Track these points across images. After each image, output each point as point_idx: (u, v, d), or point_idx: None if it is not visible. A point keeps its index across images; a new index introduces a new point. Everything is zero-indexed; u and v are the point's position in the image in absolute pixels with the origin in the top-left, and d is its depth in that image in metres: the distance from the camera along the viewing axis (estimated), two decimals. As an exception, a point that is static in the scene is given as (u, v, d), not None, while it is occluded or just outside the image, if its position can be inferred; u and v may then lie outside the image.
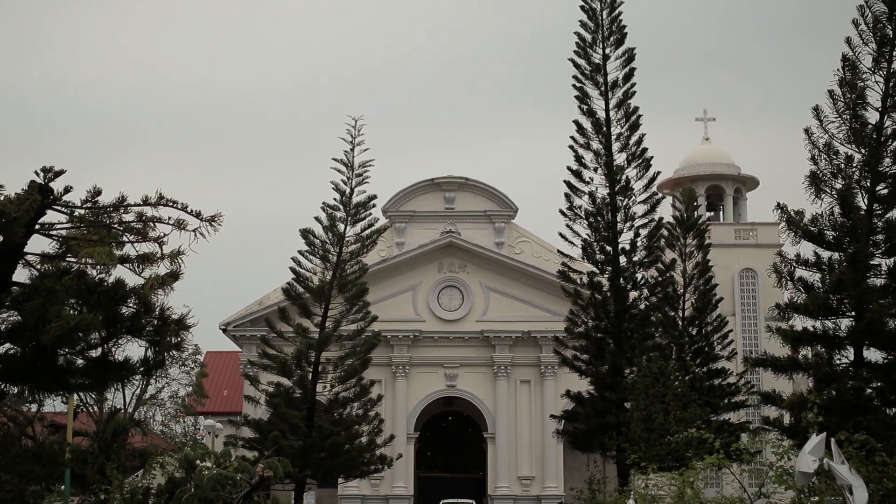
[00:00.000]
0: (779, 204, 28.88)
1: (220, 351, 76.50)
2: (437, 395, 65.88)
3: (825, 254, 29.08)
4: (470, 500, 61.28)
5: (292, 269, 47.62)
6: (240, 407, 61.05)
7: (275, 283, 61.92)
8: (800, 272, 29.28)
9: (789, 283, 29.04)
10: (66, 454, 18.88)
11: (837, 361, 28.83)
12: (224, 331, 65.52)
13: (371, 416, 47.69)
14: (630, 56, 48.40)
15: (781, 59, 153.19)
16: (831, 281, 28.08)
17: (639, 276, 48.32)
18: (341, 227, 47.28)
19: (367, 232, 47.60)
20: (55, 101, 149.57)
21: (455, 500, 60.92)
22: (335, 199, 47.49)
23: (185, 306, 16.66)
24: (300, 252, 47.49)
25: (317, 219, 47.42)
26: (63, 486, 28.10)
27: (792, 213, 28.85)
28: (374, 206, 48.15)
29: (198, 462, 23.70)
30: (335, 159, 47.64)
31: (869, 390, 28.27)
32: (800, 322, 29.30)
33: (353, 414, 47.20)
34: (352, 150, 47.67)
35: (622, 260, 47.70)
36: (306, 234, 47.04)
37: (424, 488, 67.70)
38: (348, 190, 47.45)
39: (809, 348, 29.40)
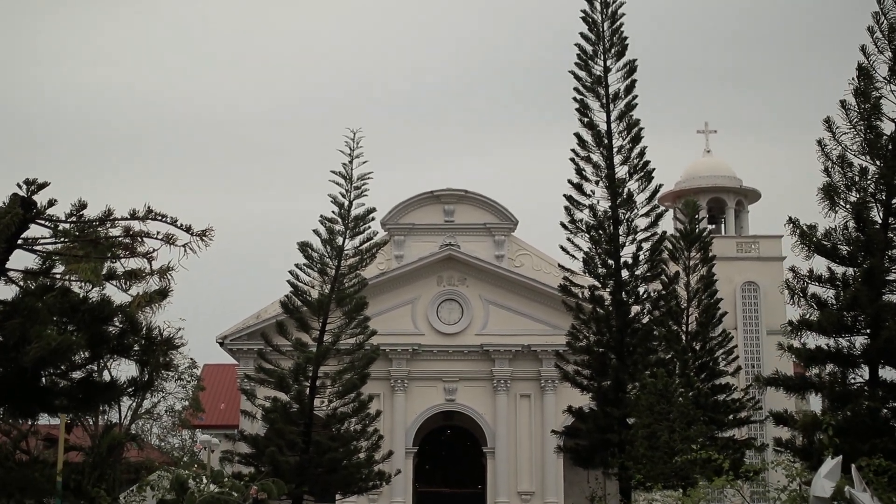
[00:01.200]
0: (790, 218, 28.12)
1: (218, 364, 75.69)
2: (436, 410, 65.24)
3: (839, 269, 28.30)
4: None
5: (290, 283, 47.00)
6: (237, 420, 60.32)
7: (273, 297, 61.35)
8: (812, 288, 28.48)
9: (802, 299, 28.22)
10: (58, 476, 18.15)
11: (852, 381, 28.04)
12: (221, 344, 64.86)
13: (370, 432, 47.06)
14: (631, 68, 47.88)
15: (782, 72, 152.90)
16: (846, 297, 27.30)
17: (641, 290, 47.69)
18: (340, 240, 46.78)
19: (366, 245, 47.03)
20: (40, 112, 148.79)
21: None
22: (334, 212, 47.00)
23: (181, 319, 16.04)
24: (298, 265, 46.91)
25: (315, 232, 46.92)
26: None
27: (804, 227, 28.05)
28: (372, 219, 47.68)
29: (190, 483, 23.00)
30: (334, 172, 47.20)
31: (885, 411, 27.47)
32: (812, 339, 28.52)
33: (351, 429, 46.57)
34: (350, 162, 47.23)
35: (624, 274, 47.08)
36: (304, 247, 46.47)
37: (423, 503, 67.02)
38: (347, 203, 46.95)
39: (822, 367, 28.53)
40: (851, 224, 27.94)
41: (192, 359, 62.81)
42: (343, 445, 45.73)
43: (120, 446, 38.83)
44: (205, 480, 27.25)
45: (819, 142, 28.06)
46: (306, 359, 45.31)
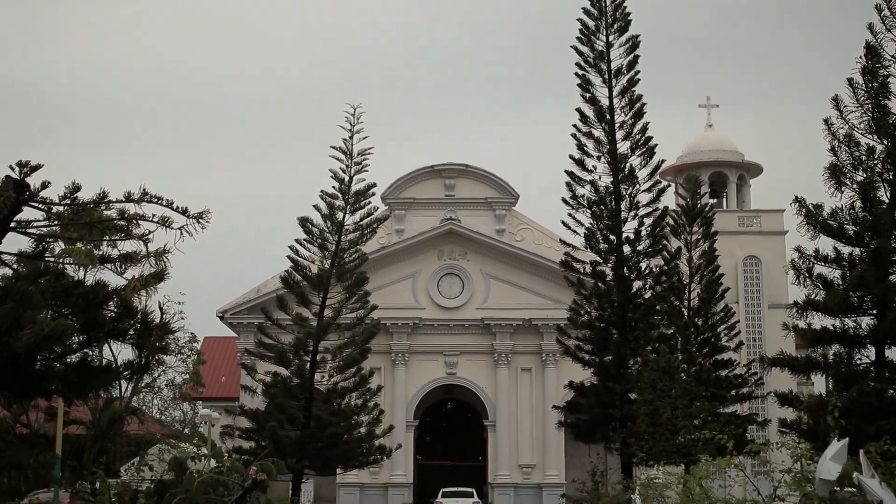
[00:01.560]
0: (796, 197, 27.73)
1: (219, 336, 75.52)
2: (436, 383, 65.30)
3: (845, 249, 27.97)
4: (470, 489, 60.50)
5: (290, 258, 46.76)
6: (238, 393, 60.28)
7: (273, 271, 61.13)
8: (818, 268, 28.16)
9: (807, 279, 27.90)
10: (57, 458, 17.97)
11: (858, 361, 27.76)
12: (221, 318, 64.72)
13: (370, 406, 46.95)
14: (634, 43, 47.35)
15: (784, 46, 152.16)
16: (852, 278, 26.99)
17: (643, 265, 47.43)
18: (340, 215, 46.51)
19: (367, 220, 46.77)
20: (35, 92, 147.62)
21: (455, 489, 60.14)
22: (334, 188, 46.72)
23: (180, 293, 15.81)
24: (298, 240, 46.64)
25: (315, 207, 46.65)
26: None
27: (810, 206, 27.69)
28: (373, 194, 47.42)
29: (189, 463, 22.80)
30: (334, 147, 46.88)
31: (891, 392, 27.21)
32: (817, 320, 28.22)
33: (351, 404, 46.46)
34: (351, 137, 46.91)
35: (626, 249, 46.83)
36: (305, 222, 46.22)
37: (424, 476, 67.15)
38: (347, 178, 46.66)
39: (827, 347, 28.25)
40: (858, 204, 27.56)
41: (192, 333, 62.68)
42: (344, 420, 45.63)
43: (120, 420, 38.76)
44: (204, 458, 27.08)
45: (826, 120, 27.63)
46: (307, 333, 45.17)
